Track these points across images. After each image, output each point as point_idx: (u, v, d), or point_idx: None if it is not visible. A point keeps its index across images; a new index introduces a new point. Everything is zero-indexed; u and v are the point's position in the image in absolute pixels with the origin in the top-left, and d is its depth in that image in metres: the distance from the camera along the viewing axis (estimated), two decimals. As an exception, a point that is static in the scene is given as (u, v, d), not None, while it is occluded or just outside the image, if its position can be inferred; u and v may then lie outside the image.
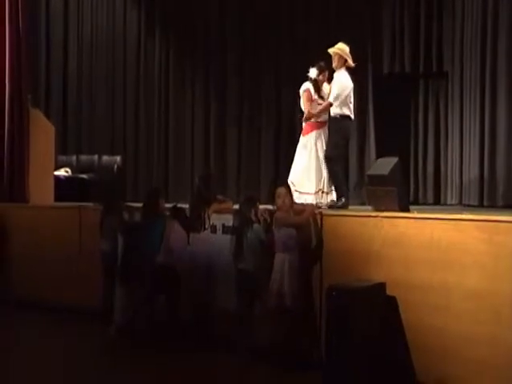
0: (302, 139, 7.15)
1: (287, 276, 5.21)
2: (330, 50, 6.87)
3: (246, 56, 11.41)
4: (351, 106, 6.83)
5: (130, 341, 5.87)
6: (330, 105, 6.81)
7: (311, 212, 5.53)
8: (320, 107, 6.98)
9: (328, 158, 6.81)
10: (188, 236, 6.01)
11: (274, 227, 5.39)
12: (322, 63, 7.07)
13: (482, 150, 8.88)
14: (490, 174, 8.75)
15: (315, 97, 7.07)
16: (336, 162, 6.80)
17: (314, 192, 6.86)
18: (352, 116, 6.87)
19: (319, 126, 7.06)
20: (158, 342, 5.81)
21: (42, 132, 8.65)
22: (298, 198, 6.58)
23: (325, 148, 6.93)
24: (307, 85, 7.14)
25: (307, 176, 6.98)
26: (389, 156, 6.18)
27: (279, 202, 5.42)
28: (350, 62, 6.83)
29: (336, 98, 6.73)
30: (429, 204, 9.74)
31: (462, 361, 4.53)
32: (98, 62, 11.97)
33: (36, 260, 7.58)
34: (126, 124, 11.92)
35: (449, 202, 9.51)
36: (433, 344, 4.68)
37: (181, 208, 6.19)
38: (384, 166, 5.86)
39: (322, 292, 5.14)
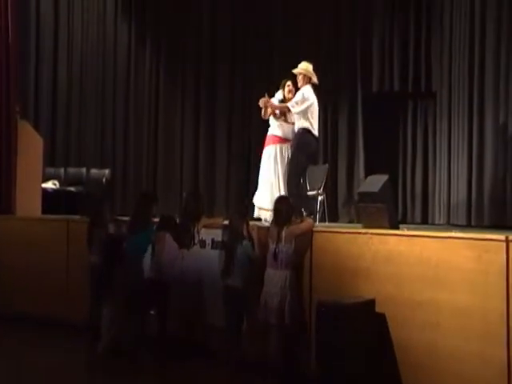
0: (264, 152, 7.21)
1: (288, 292, 5.17)
2: (295, 71, 6.99)
3: (236, 70, 11.50)
4: (314, 121, 6.89)
5: (118, 356, 5.76)
6: (288, 110, 6.92)
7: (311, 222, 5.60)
8: (278, 105, 7.08)
9: (289, 178, 6.85)
10: (180, 250, 5.91)
11: (274, 244, 5.29)
12: (289, 82, 7.19)
13: (469, 170, 8.95)
14: (478, 194, 8.81)
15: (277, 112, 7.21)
16: (296, 181, 6.86)
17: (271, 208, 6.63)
18: (315, 132, 6.91)
19: (281, 140, 7.11)
20: (148, 357, 5.74)
21: (30, 144, 8.58)
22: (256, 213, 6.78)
23: (286, 166, 6.98)
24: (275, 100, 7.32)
25: (267, 191, 7.00)
26: (377, 174, 6.23)
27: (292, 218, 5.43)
28: (315, 80, 7.00)
29: (294, 105, 6.81)
30: (417, 223, 9.76)
31: (452, 378, 4.53)
32: (87, 74, 11.93)
33: (22, 273, 7.50)
34: (115, 137, 11.87)
35: (437, 221, 9.54)
36: (422, 361, 4.67)
37: (170, 216, 6.05)
38: (374, 183, 5.88)
39: (312, 308, 5.13)
